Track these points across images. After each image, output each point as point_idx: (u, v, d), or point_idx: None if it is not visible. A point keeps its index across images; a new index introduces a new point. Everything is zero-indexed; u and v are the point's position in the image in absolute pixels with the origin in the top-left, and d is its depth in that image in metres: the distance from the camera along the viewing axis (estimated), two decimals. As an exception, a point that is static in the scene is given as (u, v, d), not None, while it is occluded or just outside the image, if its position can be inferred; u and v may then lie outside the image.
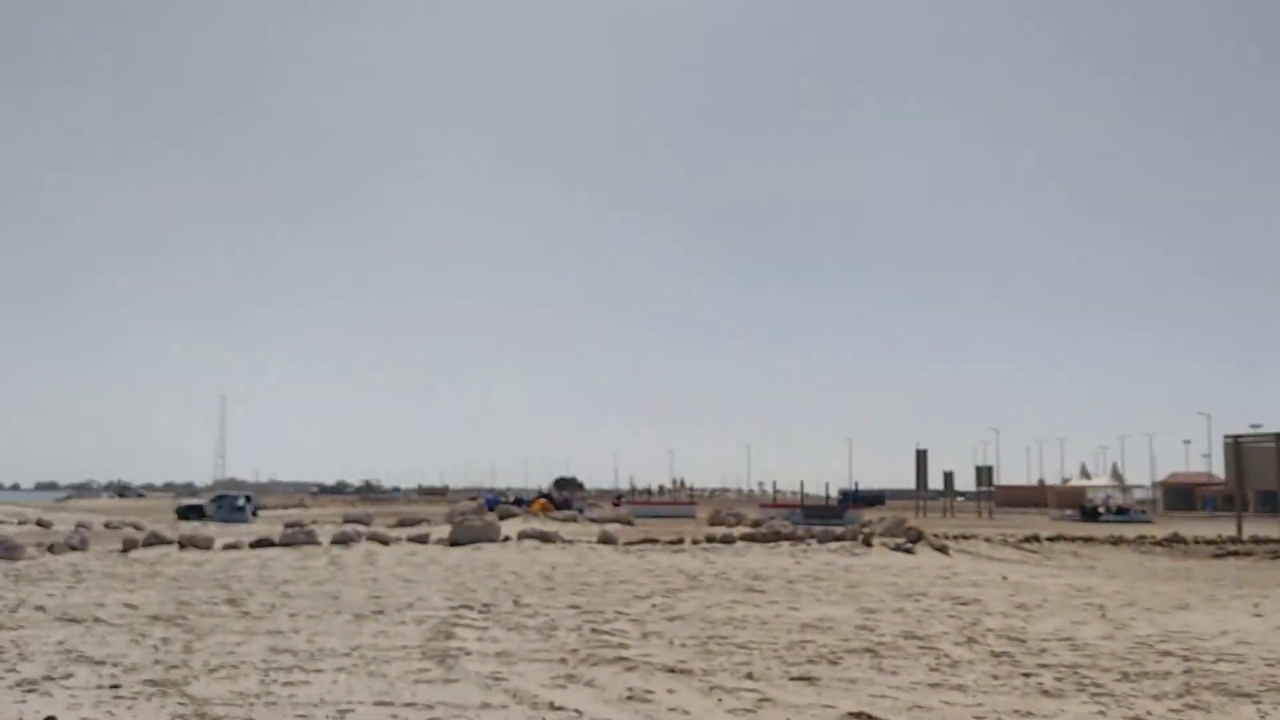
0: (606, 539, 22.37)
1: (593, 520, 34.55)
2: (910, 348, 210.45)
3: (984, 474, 64.58)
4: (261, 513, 50.99)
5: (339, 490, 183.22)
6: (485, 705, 6.84)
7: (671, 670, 8.12)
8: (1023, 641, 9.72)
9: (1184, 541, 27.61)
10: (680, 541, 22.12)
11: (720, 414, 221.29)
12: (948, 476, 65.48)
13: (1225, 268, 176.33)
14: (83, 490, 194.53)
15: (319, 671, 7.98)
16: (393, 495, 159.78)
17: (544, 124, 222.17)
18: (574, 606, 12.17)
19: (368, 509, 53.82)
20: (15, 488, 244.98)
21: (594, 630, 10.25)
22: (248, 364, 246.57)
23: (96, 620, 10.76)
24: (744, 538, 22.47)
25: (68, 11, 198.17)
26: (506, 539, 22.22)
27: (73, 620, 10.73)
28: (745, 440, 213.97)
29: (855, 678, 7.88)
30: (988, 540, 24.05)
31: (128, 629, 10.18)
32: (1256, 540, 27.08)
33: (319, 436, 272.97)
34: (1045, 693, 7.37)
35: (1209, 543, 27.00)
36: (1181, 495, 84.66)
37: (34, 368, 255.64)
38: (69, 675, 7.70)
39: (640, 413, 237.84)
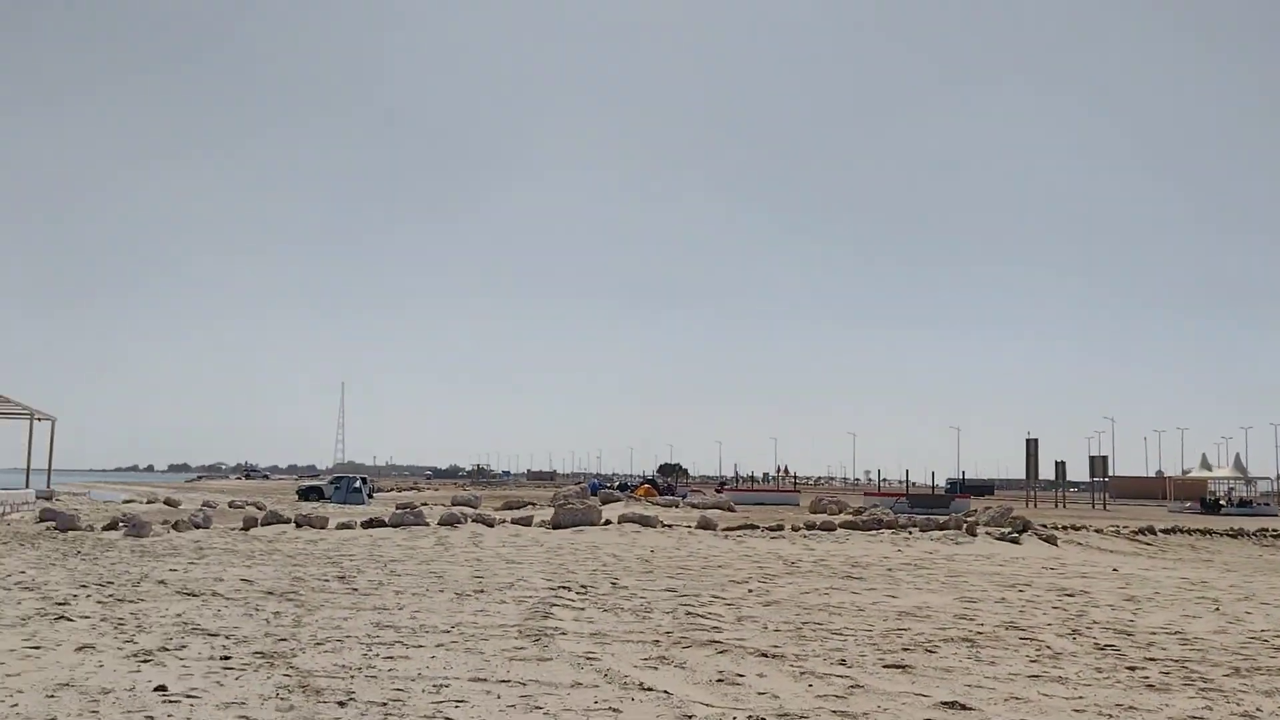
0: (706, 524, 22.41)
1: (694, 506, 34.60)
2: (1023, 334, 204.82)
3: (1098, 464, 62.40)
4: (378, 495, 52.50)
5: (452, 474, 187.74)
6: (576, 684, 6.96)
7: (764, 654, 8.13)
8: (1130, 635, 9.42)
9: (1312, 535, 26.28)
10: (780, 528, 22.03)
11: (826, 403, 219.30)
12: (1059, 466, 63.59)
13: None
14: (212, 472, 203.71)
15: (419, 647, 8.22)
16: (503, 479, 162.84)
17: (643, 112, 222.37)
18: (670, 590, 12.25)
19: (476, 492, 55.04)
20: (150, 469, 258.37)
21: (689, 613, 10.32)
22: (368, 352, 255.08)
23: (214, 594, 11.29)
24: (844, 525, 22.26)
25: (187, 9, 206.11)
26: (607, 523, 22.47)
27: (191, 594, 11.28)
28: (850, 429, 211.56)
29: (951, 667, 7.76)
30: (1099, 531, 23.28)
31: (243, 603, 10.66)
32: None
33: (435, 422, 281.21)
34: (1150, 686, 7.14)
35: (1339, 537, 25.63)
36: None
37: (168, 356, 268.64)
38: (183, 646, 8.11)
39: (745, 401, 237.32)
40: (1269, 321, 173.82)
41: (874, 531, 21.46)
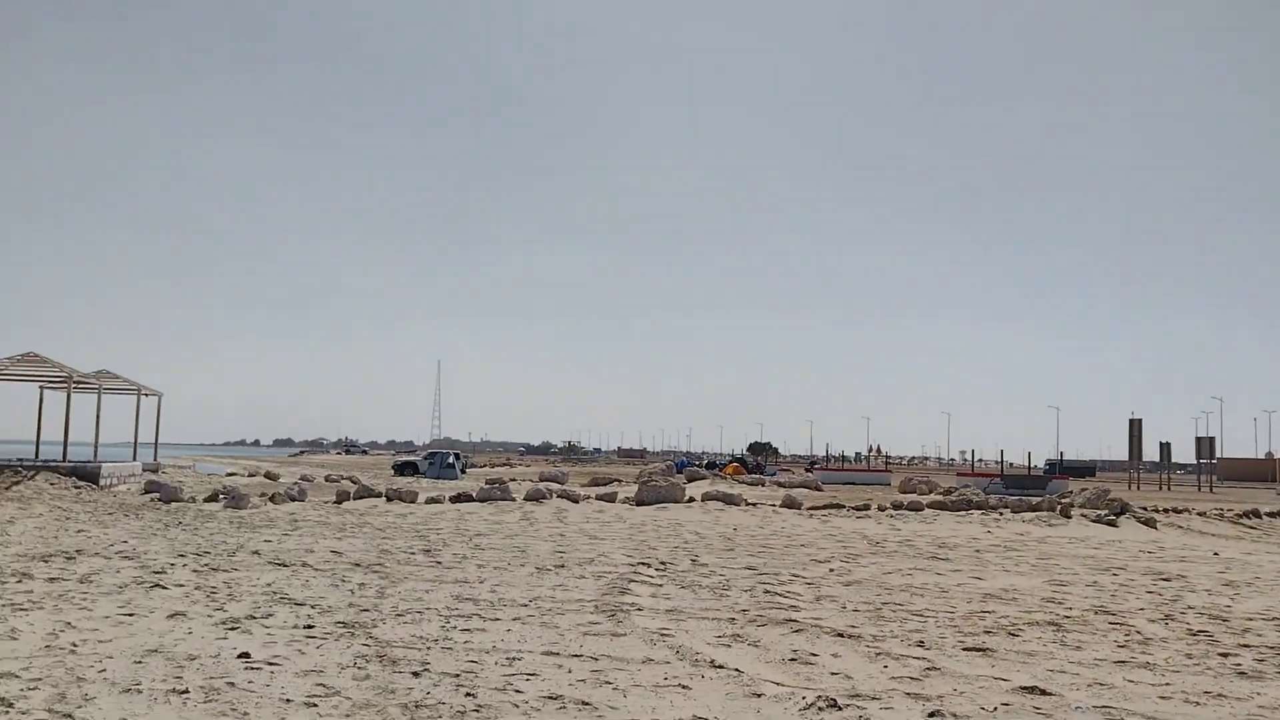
0: (790, 503, 22.24)
1: (780, 484, 34.37)
2: (1125, 313, 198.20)
3: (1204, 445, 60.05)
4: (471, 470, 53.38)
5: (544, 451, 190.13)
6: (648, 660, 6.96)
7: (840, 634, 8.02)
8: (1225, 620, 9.04)
9: None
10: (866, 507, 21.74)
11: (920, 382, 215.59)
12: (1164, 447, 61.33)
13: None
14: (314, 447, 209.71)
15: (496, 620, 8.33)
16: (593, 456, 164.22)
17: (736, 89, 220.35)
18: (750, 568, 12.19)
19: (564, 468, 55.60)
20: (255, 443, 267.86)
21: (767, 591, 10.24)
22: (465, 330, 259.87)
23: (304, 565, 11.61)
24: (933, 505, 21.86)
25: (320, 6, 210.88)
26: (691, 500, 22.46)
27: (282, 564, 11.61)
28: (946, 409, 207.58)
29: (1034, 651, 7.55)
30: (1201, 514, 22.40)
31: (330, 573, 10.94)
32: None
33: (529, 400, 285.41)
34: (1242, 674, 6.83)
35: None
36: None
37: (274, 335, 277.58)
38: (270, 615, 8.35)
39: (837, 380, 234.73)
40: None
41: (963, 512, 21.02)
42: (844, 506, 22.25)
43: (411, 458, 54.56)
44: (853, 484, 45.22)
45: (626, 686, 6.20)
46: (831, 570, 12.15)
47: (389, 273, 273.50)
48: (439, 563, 12.05)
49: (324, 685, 6.05)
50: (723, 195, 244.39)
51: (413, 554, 12.85)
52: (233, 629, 7.73)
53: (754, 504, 22.57)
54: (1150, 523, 19.15)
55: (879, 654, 7.31)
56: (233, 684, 6.02)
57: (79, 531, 15.06)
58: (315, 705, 5.61)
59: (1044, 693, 6.22)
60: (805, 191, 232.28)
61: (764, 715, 5.64)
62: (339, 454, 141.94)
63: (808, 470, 58.68)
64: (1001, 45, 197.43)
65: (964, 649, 7.57)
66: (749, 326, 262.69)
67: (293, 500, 21.49)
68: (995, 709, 5.82)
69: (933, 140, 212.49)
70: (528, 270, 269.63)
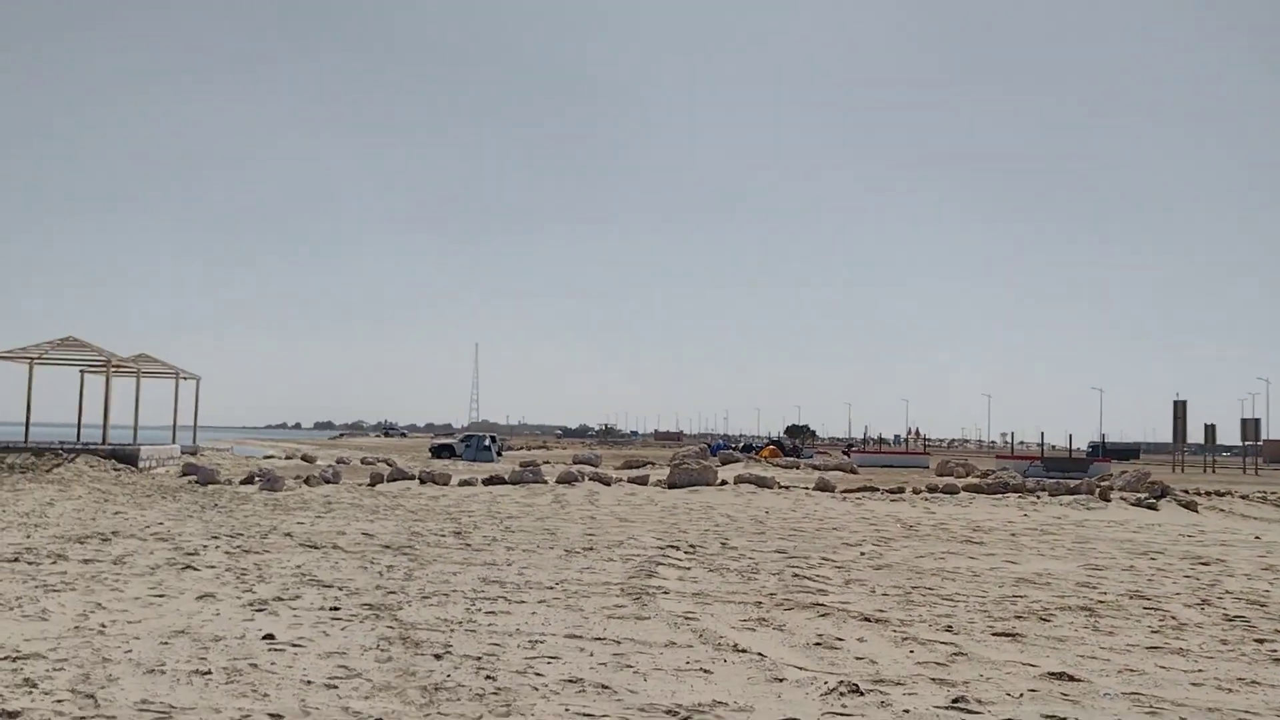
0: (824, 486, 22.10)
1: (814, 467, 34.19)
2: (1170, 294, 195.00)
3: (1250, 427, 58.98)
4: (508, 453, 53.60)
5: (581, 434, 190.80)
6: (671, 644, 6.92)
7: (867, 619, 7.93)
8: (1263, 606, 8.84)
9: None
10: (900, 491, 21.56)
11: (960, 363, 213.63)
12: (1209, 429, 60.34)
13: None
14: (354, 430, 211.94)
15: (521, 603, 8.32)
16: (630, 439, 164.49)
17: (776, 64, 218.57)
18: (780, 551, 12.11)
19: (600, 451, 55.69)
20: (297, 426, 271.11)
21: (795, 575, 10.16)
22: (504, 314, 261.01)
23: (334, 547, 11.69)
24: (968, 488, 21.64)
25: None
26: (723, 483, 22.38)
27: (313, 546, 11.70)
28: (986, 391, 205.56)
29: (1065, 636, 7.43)
30: (1244, 498, 22.00)
31: (359, 556, 11.00)
32: None
33: (567, 383, 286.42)
34: (1277, 661, 6.67)
35: None
36: None
37: (316, 321, 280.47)
38: (297, 597, 8.40)
39: (875, 362, 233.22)
40: None
41: (999, 495, 20.79)
42: (878, 490, 22.08)
43: (449, 440, 54.85)
44: (890, 467, 44.91)
45: (647, 670, 6.17)
46: (862, 554, 12.04)
47: (428, 258, 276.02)
48: (468, 545, 12.08)
49: (346, 667, 6.07)
50: (763, 178, 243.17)
51: (443, 536, 12.90)
52: (260, 610, 7.78)
53: (786, 487, 22.45)
54: (1191, 506, 18.83)
55: (905, 639, 7.22)
56: (255, 665, 6.05)
57: (116, 513, 15.28)
58: (336, 687, 5.63)
59: (1072, 679, 6.11)
60: (847, 173, 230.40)
61: (785, 700, 5.58)
62: (378, 437, 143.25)
63: (845, 454, 58.36)
64: (1038, 23, 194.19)
65: (993, 634, 7.46)
66: (787, 308, 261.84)
67: (327, 483, 21.68)
68: (1021, 695, 5.72)
69: (974, 121, 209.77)
70: (567, 254, 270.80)
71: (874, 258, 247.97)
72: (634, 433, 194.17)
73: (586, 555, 11.40)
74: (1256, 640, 7.34)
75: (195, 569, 9.79)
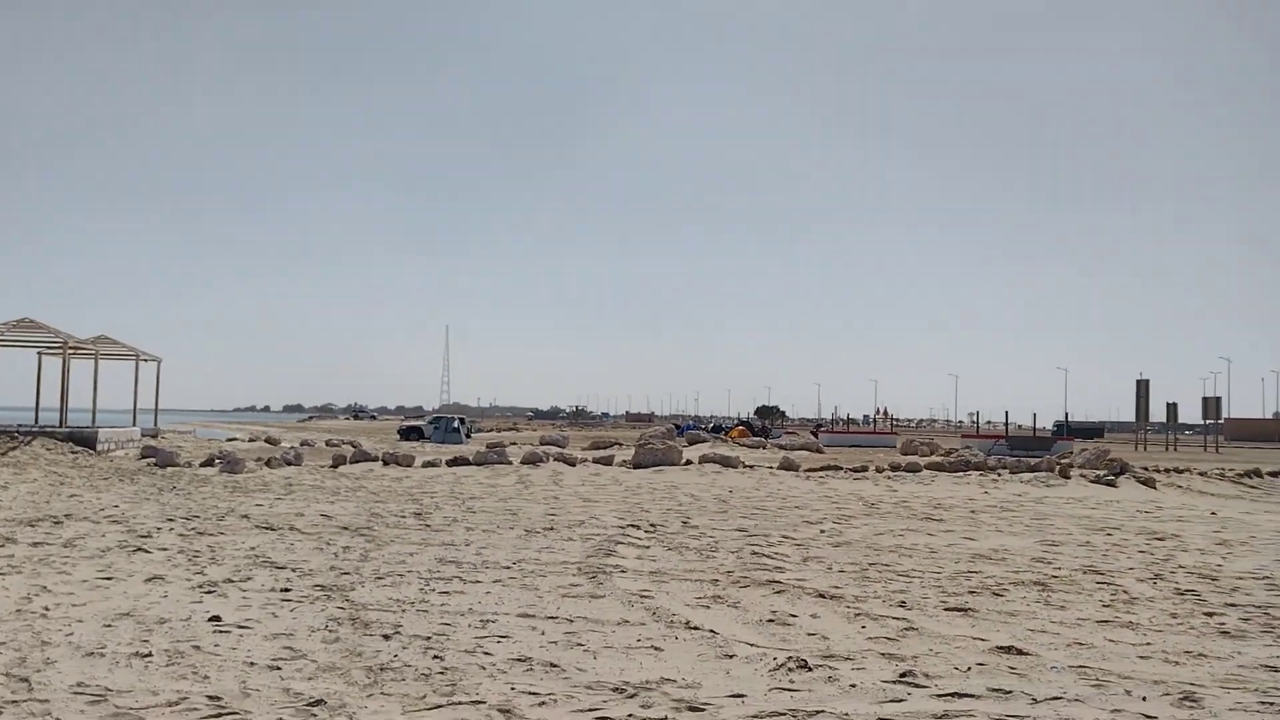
0: (788, 465, 22.17)
1: (780, 447, 34.29)
2: (1134, 274, 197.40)
3: (1211, 405, 59.79)
4: (477, 435, 53.36)
5: (552, 415, 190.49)
6: (624, 622, 6.89)
7: (821, 595, 7.94)
8: (1214, 580, 8.94)
9: None
10: (863, 469, 21.68)
11: (927, 344, 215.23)
12: (1171, 408, 61.05)
13: None
14: (323, 412, 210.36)
15: (476, 583, 8.26)
16: (601, 420, 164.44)
17: (748, 46, 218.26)
18: (741, 529, 12.12)
19: (570, 432, 55.60)
20: (266, 409, 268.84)
21: (754, 553, 10.17)
22: (475, 295, 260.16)
23: (291, 529, 11.56)
24: (930, 467, 21.78)
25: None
26: (688, 463, 22.40)
27: (269, 528, 11.56)
28: (953, 371, 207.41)
29: (1016, 611, 7.47)
30: (1202, 474, 22.29)
31: (316, 537, 10.89)
32: None
33: (538, 365, 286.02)
34: (1225, 633, 6.74)
35: None
36: None
37: (286, 301, 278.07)
38: (248, 579, 8.29)
39: (845, 343, 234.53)
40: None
41: (961, 473, 20.95)
42: (841, 468, 22.18)
43: (417, 423, 54.54)
44: (857, 446, 45.08)
45: (598, 649, 6.13)
46: (822, 532, 12.08)
47: (400, 239, 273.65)
48: (428, 526, 12.00)
49: (291, 648, 5.99)
50: (734, 158, 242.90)
51: (404, 517, 12.80)
52: (209, 592, 7.68)
53: (751, 466, 22.51)
54: (1150, 483, 19.05)
55: (858, 614, 7.23)
56: (198, 647, 5.96)
57: (71, 496, 15.05)
58: (279, 669, 5.55)
59: (1021, 652, 6.14)
60: (817, 153, 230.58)
61: (733, 676, 5.56)
62: (347, 419, 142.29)
63: (813, 434, 58.66)
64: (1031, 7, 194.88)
65: (945, 609, 7.49)
66: (757, 289, 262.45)
67: (289, 465, 21.48)
68: (969, 669, 5.74)
69: (938, 96, 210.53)
70: (538, 236, 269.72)
71: (842, 237, 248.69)
72: (605, 414, 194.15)
73: (547, 535, 11.35)
74: (1206, 614, 7.41)
75: (147, 551, 9.65)
